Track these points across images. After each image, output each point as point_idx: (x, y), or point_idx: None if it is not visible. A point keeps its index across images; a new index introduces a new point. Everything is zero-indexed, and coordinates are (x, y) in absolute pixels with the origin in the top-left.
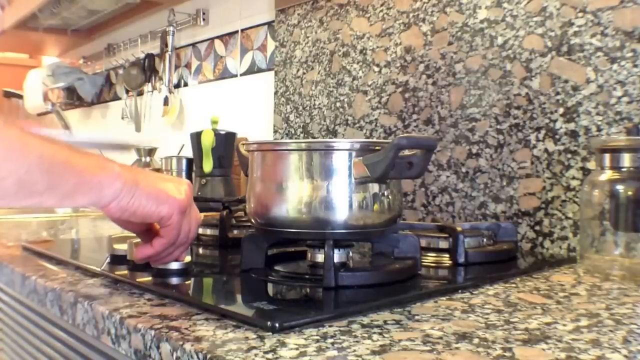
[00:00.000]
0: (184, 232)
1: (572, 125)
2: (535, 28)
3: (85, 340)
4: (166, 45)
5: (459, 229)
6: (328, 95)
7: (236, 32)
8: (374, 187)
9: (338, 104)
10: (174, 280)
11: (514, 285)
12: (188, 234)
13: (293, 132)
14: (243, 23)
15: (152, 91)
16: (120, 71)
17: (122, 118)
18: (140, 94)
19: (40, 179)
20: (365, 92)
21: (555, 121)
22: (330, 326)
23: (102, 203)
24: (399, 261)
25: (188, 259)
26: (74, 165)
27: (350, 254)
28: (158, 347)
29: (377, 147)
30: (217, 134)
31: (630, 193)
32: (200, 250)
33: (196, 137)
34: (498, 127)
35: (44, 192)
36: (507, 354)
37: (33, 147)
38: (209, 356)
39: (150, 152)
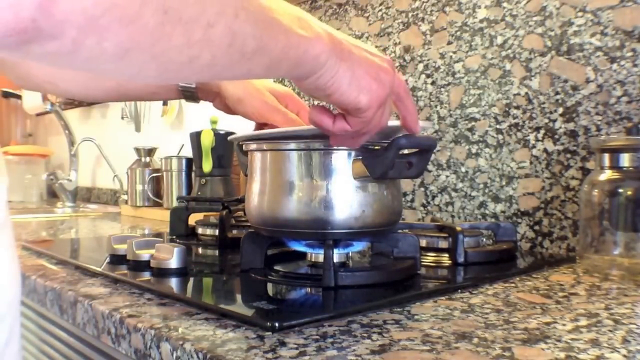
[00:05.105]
0: (374, 123)
1: (571, 125)
2: (535, 27)
3: (85, 340)
4: None
5: (458, 228)
6: None
7: None
8: (374, 187)
9: None
10: (174, 280)
11: (513, 285)
12: (378, 124)
13: None
14: None
15: None
16: None
17: (122, 118)
18: None
19: (250, 32)
20: None
21: (554, 121)
22: (329, 326)
23: (300, 77)
24: (399, 261)
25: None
26: (280, 19)
27: (350, 253)
28: (158, 347)
29: (376, 147)
30: (216, 133)
31: (629, 193)
32: (200, 250)
33: (196, 137)
34: (497, 126)
35: (253, 56)
36: (507, 353)
37: None
38: (209, 356)
39: (150, 152)
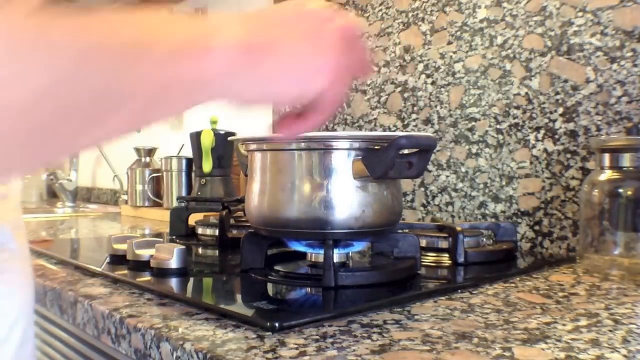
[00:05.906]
0: (335, 99)
1: (571, 125)
2: (535, 27)
3: (85, 340)
4: None
5: (458, 228)
6: None
7: None
8: (374, 187)
9: None
10: (174, 280)
11: (513, 285)
12: (339, 98)
13: None
14: None
15: None
16: None
17: None
18: None
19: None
20: (364, 92)
21: (554, 121)
22: (330, 326)
23: (212, 99)
24: (399, 261)
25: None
26: (152, 48)
27: (350, 253)
28: (158, 347)
29: (376, 147)
30: (216, 133)
31: (629, 193)
32: (200, 250)
33: (196, 137)
34: (497, 126)
35: (115, 115)
36: (507, 353)
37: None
38: (209, 356)
39: (150, 152)
